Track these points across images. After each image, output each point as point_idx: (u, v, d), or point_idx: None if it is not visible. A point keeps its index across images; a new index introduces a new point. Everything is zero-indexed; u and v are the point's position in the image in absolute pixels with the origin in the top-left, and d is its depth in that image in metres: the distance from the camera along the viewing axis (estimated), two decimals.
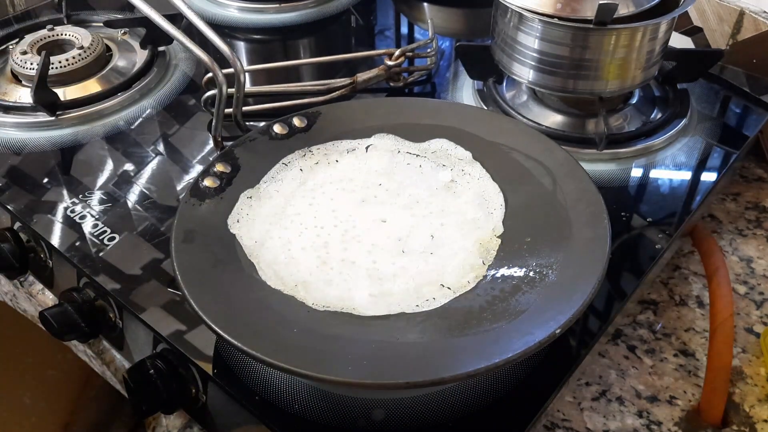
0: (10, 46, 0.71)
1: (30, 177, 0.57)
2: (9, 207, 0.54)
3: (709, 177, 0.57)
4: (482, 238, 0.46)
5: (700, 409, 0.46)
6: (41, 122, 0.62)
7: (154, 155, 0.59)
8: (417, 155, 0.52)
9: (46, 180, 0.57)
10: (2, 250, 0.54)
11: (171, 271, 0.42)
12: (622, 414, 0.45)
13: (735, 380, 0.48)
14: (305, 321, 0.40)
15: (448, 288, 0.42)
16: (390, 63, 0.66)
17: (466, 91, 0.66)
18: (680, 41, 0.71)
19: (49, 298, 0.57)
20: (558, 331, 0.37)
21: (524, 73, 0.58)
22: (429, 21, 0.72)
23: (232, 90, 0.55)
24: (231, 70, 0.54)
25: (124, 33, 0.73)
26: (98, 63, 0.67)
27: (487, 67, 0.63)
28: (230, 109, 0.57)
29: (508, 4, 0.56)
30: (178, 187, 0.56)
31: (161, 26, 0.56)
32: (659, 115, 0.61)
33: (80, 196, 0.55)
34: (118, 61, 0.69)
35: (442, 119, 0.54)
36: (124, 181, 0.56)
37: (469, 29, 0.83)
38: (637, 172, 0.57)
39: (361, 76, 0.65)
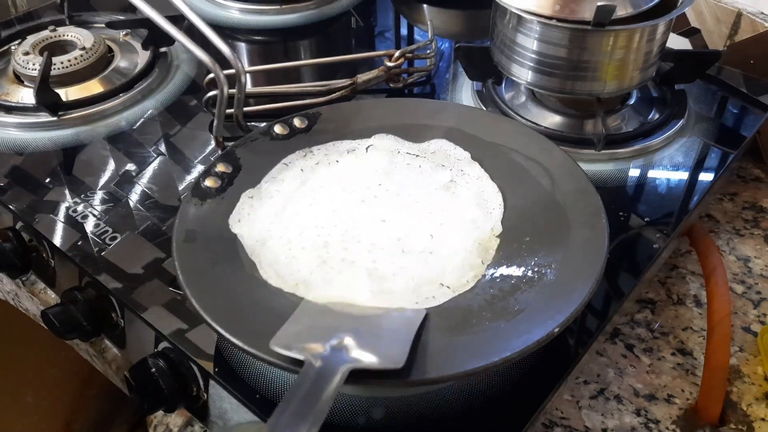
0: (13, 47, 0.71)
1: (32, 177, 0.57)
2: (11, 206, 0.54)
3: (706, 177, 0.57)
4: (481, 237, 0.46)
5: (697, 407, 0.46)
6: (43, 122, 0.62)
7: (155, 155, 0.59)
8: (417, 155, 0.52)
9: (48, 180, 0.57)
10: (4, 250, 0.54)
11: (172, 270, 0.42)
12: (620, 412, 0.46)
13: (732, 379, 0.48)
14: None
15: (448, 287, 0.43)
16: (390, 64, 0.66)
17: (466, 92, 0.66)
18: (678, 42, 0.71)
19: (51, 297, 0.57)
20: (556, 330, 0.37)
21: (523, 74, 0.59)
22: (428, 22, 0.72)
23: (233, 91, 0.55)
24: (232, 71, 0.54)
25: (126, 34, 0.73)
26: (100, 64, 0.68)
27: (486, 68, 0.63)
28: (231, 110, 0.57)
29: (507, 6, 0.56)
30: (180, 187, 0.56)
31: (163, 27, 0.57)
32: (657, 116, 0.61)
33: (82, 195, 0.55)
34: (120, 62, 0.69)
35: (442, 120, 0.54)
36: (125, 181, 0.56)
37: (469, 31, 0.83)
38: (634, 173, 0.57)
39: (361, 77, 0.65)
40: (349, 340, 0.36)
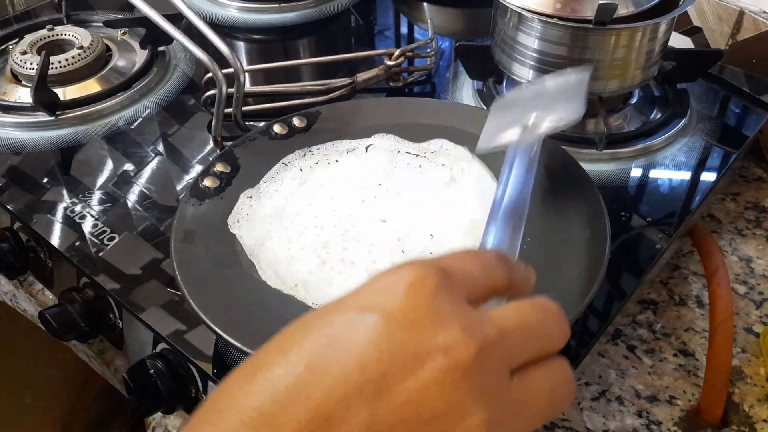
0: (10, 46, 0.71)
1: (30, 177, 0.57)
2: (9, 207, 0.54)
3: (708, 177, 0.57)
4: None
5: (699, 408, 0.46)
6: (41, 122, 0.62)
7: (153, 155, 0.59)
8: (417, 155, 0.52)
9: (45, 180, 0.57)
10: (2, 250, 0.54)
11: (171, 270, 0.42)
12: (622, 414, 0.46)
13: (734, 380, 0.48)
14: None
15: None
16: (390, 63, 0.66)
17: (466, 91, 0.66)
18: (680, 41, 0.71)
19: (48, 298, 0.57)
20: None
21: (524, 73, 0.58)
22: (429, 21, 0.72)
23: (231, 90, 0.55)
24: (231, 70, 0.54)
25: (124, 33, 0.73)
26: (98, 63, 0.67)
27: (486, 67, 0.63)
28: (230, 109, 0.57)
29: (507, 4, 0.56)
30: (178, 187, 0.56)
31: (161, 26, 0.56)
32: (659, 115, 0.61)
33: (80, 196, 0.55)
34: (118, 61, 0.69)
35: (442, 119, 0.54)
36: (123, 181, 0.56)
37: (469, 29, 0.83)
38: (636, 172, 0.57)
39: (361, 76, 0.65)
40: (534, 118, 0.42)
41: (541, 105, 0.44)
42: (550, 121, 0.42)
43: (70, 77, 0.65)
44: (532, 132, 0.41)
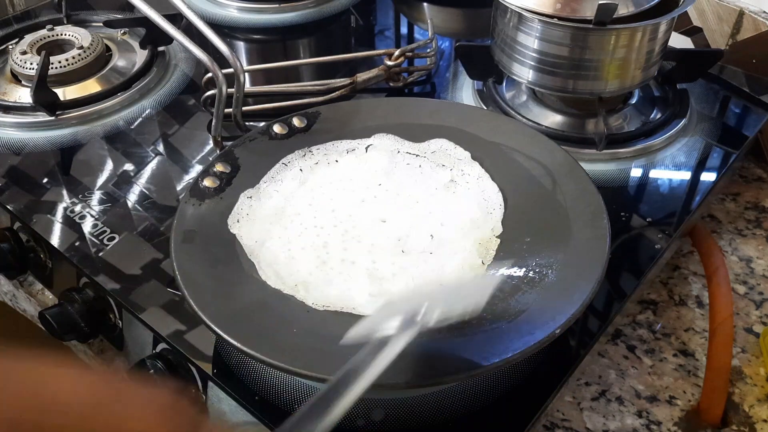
0: (10, 46, 0.71)
1: (30, 177, 0.57)
2: (9, 207, 0.54)
3: (708, 177, 0.57)
4: (481, 238, 0.46)
5: (699, 409, 0.46)
6: (41, 122, 0.62)
7: (153, 155, 0.59)
8: (417, 155, 0.52)
9: (45, 180, 0.57)
10: (2, 250, 0.54)
11: (171, 271, 0.42)
12: (622, 414, 0.45)
13: (734, 380, 0.48)
14: (305, 321, 0.40)
15: None
16: (390, 63, 0.66)
17: (466, 91, 0.66)
18: (680, 41, 0.71)
19: (48, 298, 0.57)
20: (557, 331, 0.37)
21: (524, 73, 0.58)
22: (429, 21, 0.72)
23: (231, 90, 0.55)
24: (231, 70, 0.54)
25: (124, 33, 0.73)
26: (98, 63, 0.67)
27: (486, 67, 0.63)
28: (230, 109, 0.57)
29: (507, 4, 0.56)
30: (178, 187, 0.56)
31: (161, 26, 0.56)
32: (659, 115, 0.61)
33: (80, 196, 0.55)
34: (118, 61, 0.69)
35: (442, 119, 0.54)
36: (123, 181, 0.56)
37: (469, 29, 0.83)
38: (636, 172, 0.57)
39: (361, 76, 0.65)
40: (425, 309, 0.34)
41: (437, 297, 0.37)
42: (440, 312, 0.34)
43: (70, 77, 0.65)
44: (413, 323, 0.33)
